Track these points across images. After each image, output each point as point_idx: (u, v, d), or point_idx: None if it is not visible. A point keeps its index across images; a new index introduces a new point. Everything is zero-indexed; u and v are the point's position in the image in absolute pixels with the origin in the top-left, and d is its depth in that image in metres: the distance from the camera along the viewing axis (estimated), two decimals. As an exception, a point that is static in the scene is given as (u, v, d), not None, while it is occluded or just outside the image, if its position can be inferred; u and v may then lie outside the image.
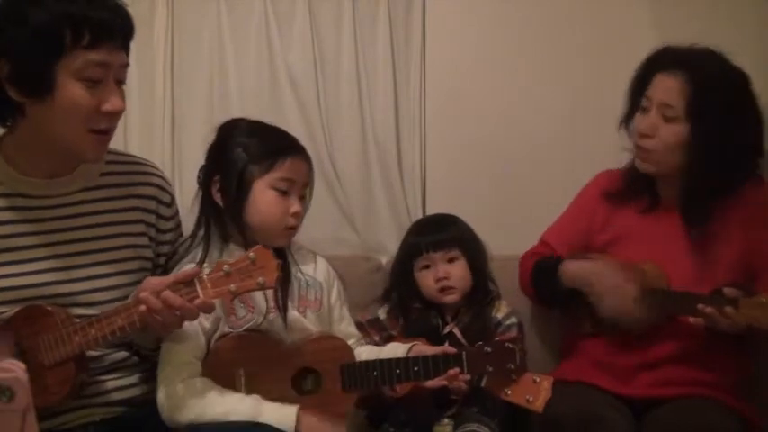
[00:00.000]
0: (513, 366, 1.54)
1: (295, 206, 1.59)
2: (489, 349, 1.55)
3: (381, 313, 1.89)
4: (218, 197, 1.60)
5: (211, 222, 1.62)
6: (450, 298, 1.84)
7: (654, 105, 1.70)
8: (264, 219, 1.58)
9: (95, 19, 1.35)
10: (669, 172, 1.74)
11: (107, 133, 1.44)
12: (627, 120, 1.81)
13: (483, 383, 1.60)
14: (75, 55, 1.34)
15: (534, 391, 1.53)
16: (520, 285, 1.94)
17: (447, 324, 1.85)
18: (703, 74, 1.68)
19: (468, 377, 1.57)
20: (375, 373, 1.55)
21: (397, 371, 1.55)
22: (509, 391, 1.55)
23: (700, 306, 1.57)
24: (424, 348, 1.63)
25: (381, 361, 1.56)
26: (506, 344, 1.55)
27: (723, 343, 1.64)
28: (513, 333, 1.86)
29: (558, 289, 1.78)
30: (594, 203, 1.87)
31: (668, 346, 1.69)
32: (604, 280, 1.69)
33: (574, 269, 1.76)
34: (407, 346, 1.65)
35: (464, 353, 1.56)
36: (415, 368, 1.55)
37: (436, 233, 1.87)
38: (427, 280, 1.84)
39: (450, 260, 1.84)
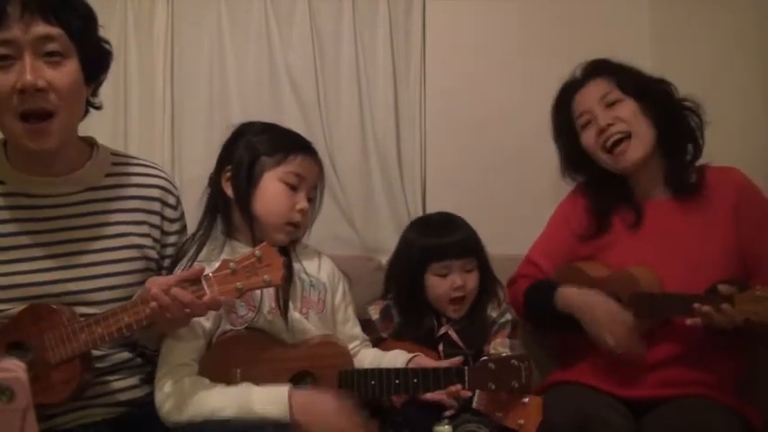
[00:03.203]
0: (517, 385, 1.51)
1: (302, 203, 1.60)
2: (493, 366, 1.52)
3: (373, 314, 1.87)
4: (227, 187, 1.61)
5: (217, 217, 1.63)
6: (457, 314, 1.82)
7: (594, 108, 1.79)
8: (271, 210, 1.59)
9: None
10: (648, 151, 1.76)
11: (43, 118, 1.37)
12: (569, 158, 1.88)
13: (474, 404, 1.58)
14: None
15: (525, 414, 1.52)
16: (512, 308, 1.93)
17: (442, 325, 1.84)
18: (608, 66, 1.84)
19: (469, 393, 1.55)
20: (373, 383, 1.53)
21: (396, 381, 1.53)
22: (500, 414, 1.54)
23: (696, 306, 1.57)
24: (424, 361, 1.62)
25: (381, 370, 1.55)
26: (512, 361, 1.52)
27: (722, 343, 1.64)
28: (507, 331, 1.85)
29: (555, 317, 1.77)
30: (574, 219, 1.87)
31: (668, 347, 1.69)
32: (598, 312, 1.68)
33: (568, 297, 1.74)
34: (409, 356, 1.63)
35: (466, 368, 1.53)
36: (415, 380, 1.53)
37: (455, 236, 1.83)
38: (441, 287, 1.81)
39: (468, 270, 1.83)
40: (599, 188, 1.86)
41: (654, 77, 1.82)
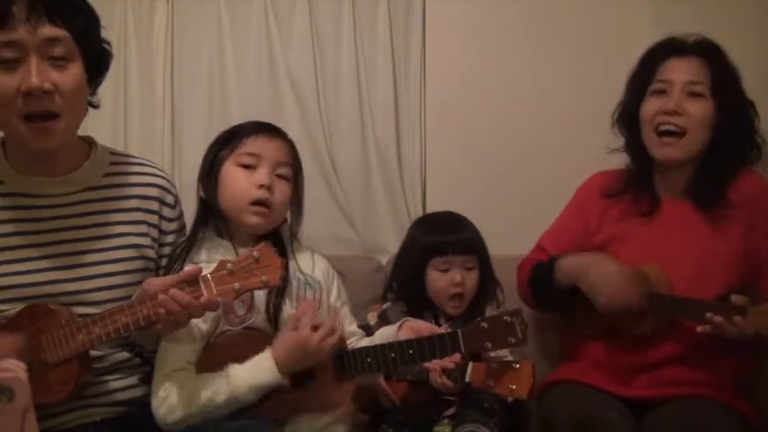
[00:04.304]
0: (514, 340, 1.47)
1: (263, 179, 1.56)
2: (486, 325, 1.47)
3: (371, 320, 1.86)
4: (200, 192, 1.64)
5: (207, 220, 1.64)
6: (456, 311, 1.82)
7: (676, 86, 1.73)
8: (230, 195, 1.58)
9: None
10: (691, 156, 1.75)
11: (48, 118, 1.38)
12: (626, 110, 1.83)
13: (467, 377, 1.57)
14: None
15: (516, 379, 1.50)
16: (518, 293, 1.92)
17: (440, 325, 1.82)
18: (718, 56, 1.76)
19: (458, 358, 1.54)
20: (369, 360, 1.51)
21: (392, 355, 1.50)
22: (491, 383, 1.52)
23: (708, 315, 1.57)
24: (415, 325, 1.59)
25: (375, 347, 1.52)
26: (505, 317, 1.48)
27: (723, 344, 1.64)
28: None
29: (556, 288, 1.76)
30: (590, 205, 1.87)
31: (668, 347, 1.69)
32: (600, 266, 1.68)
33: (569, 262, 1.75)
34: (395, 326, 1.61)
35: (459, 331, 1.50)
36: (410, 351, 1.49)
37: (459, 234, 1.83)
38: (441, 283, 1.81)
39: (468, 268, 1.83)
40: (636, 155, 1.84)
41: (746, 97, 1.78)
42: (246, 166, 1.58)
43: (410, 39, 2.26)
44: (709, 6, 2.13)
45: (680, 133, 1.72)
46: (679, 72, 1.74)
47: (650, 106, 1.76)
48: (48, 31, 1.35)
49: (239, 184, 1.57)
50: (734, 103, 1.74)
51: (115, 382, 1.52)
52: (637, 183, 1.82)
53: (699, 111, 1.72)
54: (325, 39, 2.26)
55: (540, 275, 1.82)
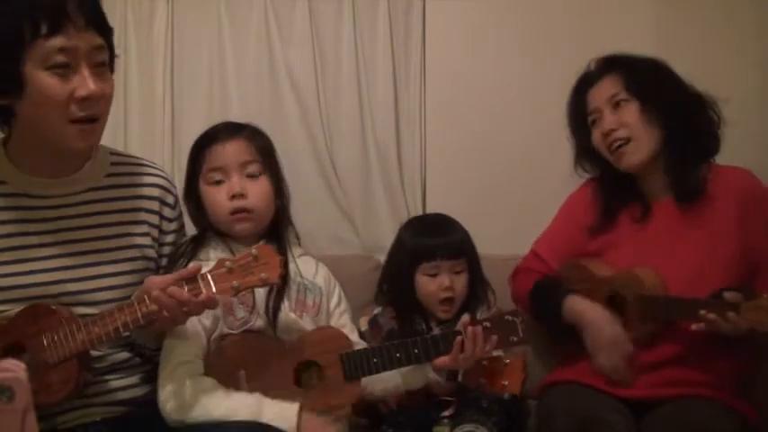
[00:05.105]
0: (516, 339, 1.50)
1: (234, 188, 1.61)
2: (489, 324, 1.51)
3: (362, 326, 1.86)
4: (188, 215, 1.71)
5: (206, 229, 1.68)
6: (446, 315, 1.81)
7: (603, 108, 1.80)
8: (212, 213, 1.64)
9: (48, 6, 1.34)
10: (652, 154, 1.76)
11: (91, 121, 1.41)
12: (581, 150, 1.89)
13: (460, 377, 1.57)
14: (36, 46, 1.34)
15: (507, 375, 1.52)
16: (514, 301, 1.91)
17: (432, 330, 1.82)
18: (622, 62, 1.82)
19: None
20: (375, 360, 1.53)
21: (397, 355, 1.52)
22: (484, 381, 1.53)
23: (702, 313, 1.57)
24: None
25: (380, 347, 1.55)
26: (506, 317, 1.51)
27: (723, 343, 1.64)
28: None
29: (558, 319, 1.76)
30: (582, 212, 1.87)
31: (668, 348, 1.69)
32: (602, 335, 1.68)
33: (575, 308, 1.74)
34: None
35: (463, 330, 1.52)
36: (415, 350, 1.52)
37: (446, 237, 1.83)
38: (430, 287, 1.81)
39: (457, 272, 1.82)
40: (609, 184, 1.86)
41: (661, 76, 1.80)
42: (217, 182, 1.62)
43: (410, 39, 2.26)
44: (710, 7, 2.14)
45: (627, 141, 1.76)
46: (598, 96, 1.81)
47: (596, 136, 1.82)
48: (98, 39, 1.40)
49: (214, 200, 1.63)
50: (653, 90, 1.77)
51: (115, 382, 1.53)
52: (624, 191, 1.83)
53: (629, 115, 1.76)
54: (325, 39, 2.26)
55: (545, 301, 1.81)
